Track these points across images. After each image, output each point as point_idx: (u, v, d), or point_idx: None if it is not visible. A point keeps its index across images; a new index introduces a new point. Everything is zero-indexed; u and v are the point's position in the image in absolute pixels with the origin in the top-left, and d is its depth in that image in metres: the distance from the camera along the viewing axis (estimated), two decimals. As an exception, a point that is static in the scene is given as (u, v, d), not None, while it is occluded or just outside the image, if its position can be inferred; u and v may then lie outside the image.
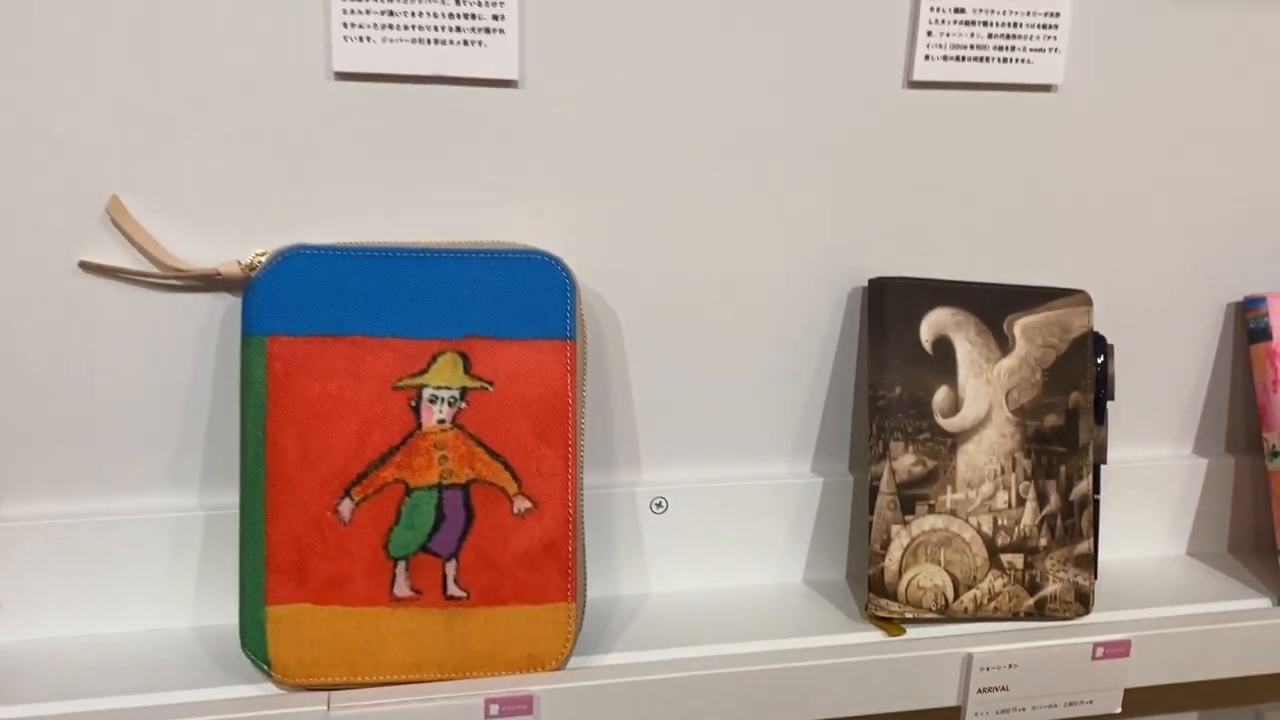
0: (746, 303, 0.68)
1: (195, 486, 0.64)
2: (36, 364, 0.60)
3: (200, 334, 0.62)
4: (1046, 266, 0.72)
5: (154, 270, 0.60)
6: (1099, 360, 0.71)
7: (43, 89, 0.56)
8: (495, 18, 0.60)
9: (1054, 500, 0.69)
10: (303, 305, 0.58)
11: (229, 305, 0.61)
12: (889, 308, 0.68)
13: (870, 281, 0.69)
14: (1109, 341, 0.72)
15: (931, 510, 0.67)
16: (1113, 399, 0.72)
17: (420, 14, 0.59)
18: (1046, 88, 0.69)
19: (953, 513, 0.68)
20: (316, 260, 0.59)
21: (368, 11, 0.58)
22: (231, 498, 0.64)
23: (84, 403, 0.61)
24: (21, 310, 0.59)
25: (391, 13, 0.59)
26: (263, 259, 0.59)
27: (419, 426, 0.59)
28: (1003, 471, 0.68)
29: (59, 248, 0.59)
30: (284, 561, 0.58)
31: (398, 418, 0.58)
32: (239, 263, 0.59)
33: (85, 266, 0.59)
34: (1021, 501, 0.69)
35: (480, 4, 0.60)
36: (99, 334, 0.60)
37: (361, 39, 0.59)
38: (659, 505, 0.69)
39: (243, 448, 0.58)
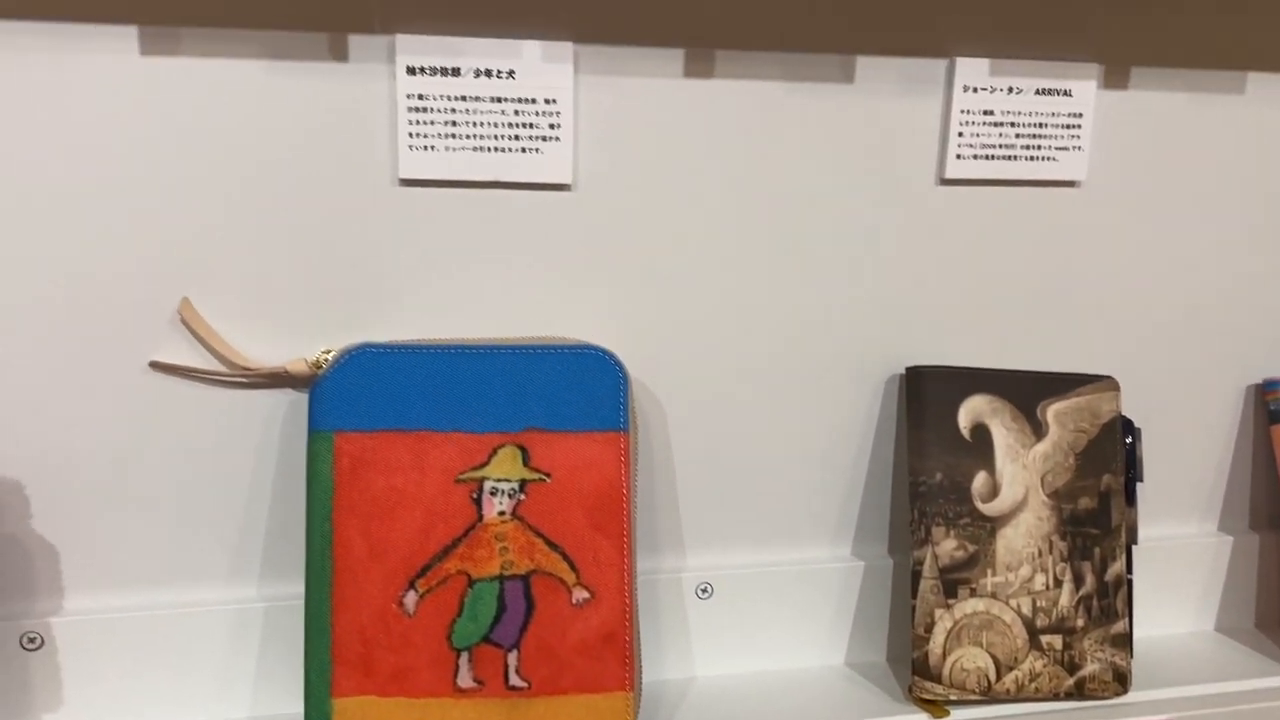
0: (787, 391, 0.71)
1: (255, 578, 0.65)
2: (103, 460, 0.62)
3: (264, 429, 0.63)
4: (1075, 353, 0.75)
5: (223, 369, 0.62)
6: (1127, 442, 0.73)
7: (118, 196, 0.59)
8: (551, 126, 0.63)
9: (1090, 581, 0.71)
10: (368, 402, 0.60)
11: (292, 400, 0.63)
12: (927, 395, 0.70)
13: (908, 370, 0.71)
14: (1136, 425, 0.74)
15: (973, 593, 0.69)
16: (1142, 481, 0.74)
17: (481, 124, 0.62)
18: (1071, 183, 0.72)
19: (993, 595, 0.69)
20: (381, 358, 0.61)
21: (432, 123, 0.61)
22: (289, 588, 0.65)
23: (148, 498, 0.63)
24: (92, 408, 0.61)
25: (454, 123, 0.62)
26: (329, 357, 0.61)
27: (480, 518, 0.60)
28: (1040, 554, 0.70)
29: (130, 348, 0.61)
30: (350, 654, 0.59)
31: (460, 510, 0.60)
32: (306, 361, 0.61)
33: (155, 366, 0.61)
34: (1059, 583, 0.70)
35: (538, 114, 0.63)
36: (165, 430, 0.62)
37: (426, 148, 0.62)
38: (704, 591, 0.71)
39: (309, 541, 0.60)
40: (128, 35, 0.58)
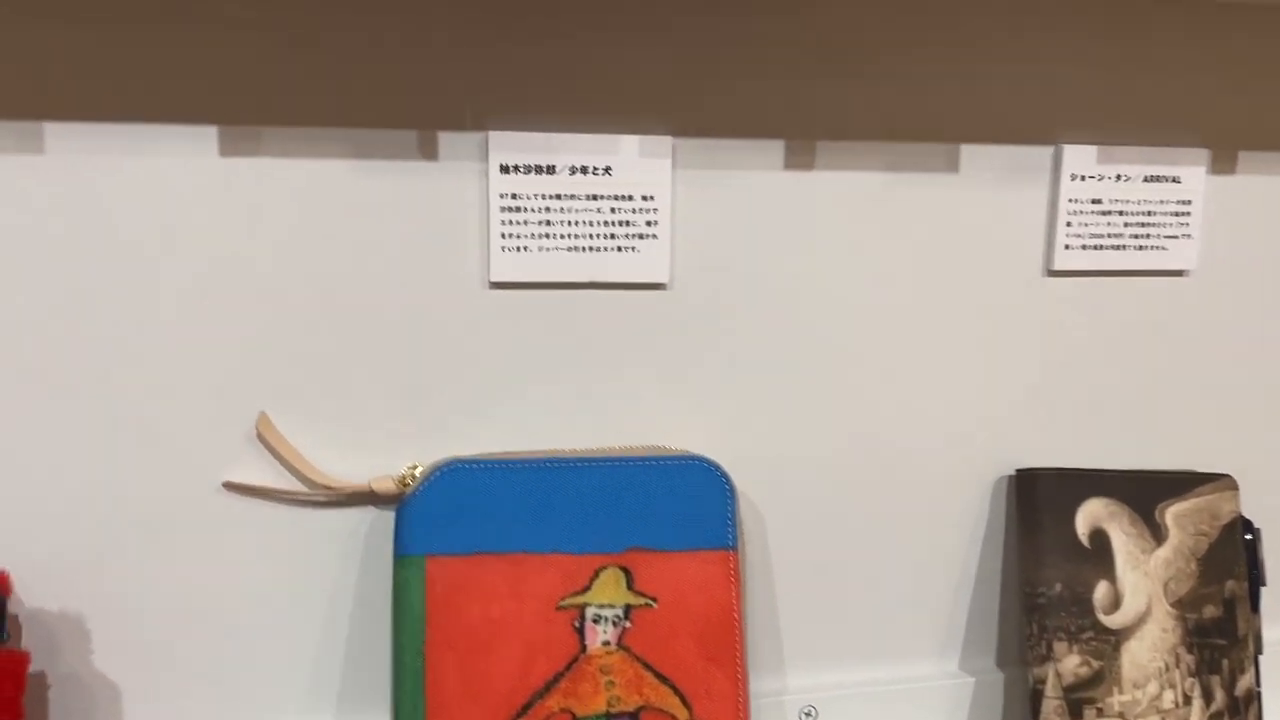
0: (888, 496, 0.66)
1: (333, 715, 0.60)
2: (170, 589, 0.57)
3: (343, 552, 0.59)
4: (1190, 450, 0.71)
5: (302, 489, 0.57)
6: (1246, 540, 0.69)
7: (190, 303, 0.55)
8: (649, 224, 0.60)
9: (1220, 697, 0.66)
10: (461, 522, 0.56)
11: (374, 519, 0.59)
12: (1041, 500, 0.66)
13: (1019, 472, 0.67)
14: (1255, 525, 0.70)
15: (1100, 714, 0.64)
16: (1265, 584, 0.70)
17: (576, 223, 0.59)
18: (1180, 273, 0.68)
19: (1121, 716, 0.64)
20: (474, 474, 0.56)
21: (525, 222, 0.58)
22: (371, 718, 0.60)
23: (218, 628, 0.58)
24: (158, 533, 0.56)
25: (548, 223, 0.58)
26: (416, 473, 0.57)
27: (583, 649, 0.56)
28: (1167, 669, 0.65)
29: (202, 468, 0.57)
30: (445, 804, 0.54)
31: (561, 640, 0.55)
32: (392, 478, 0.57)
33: (230, 487, 0.57)
34: (1188, 700, 0.65)
35: (634, 211, 0.59)
36: (238, 555, 0.58)
37: (519, 249, 0.58)
38: (809, 715, 0.66)
39: (398, 677, 0.55)
40: (206, 136, 0.54)
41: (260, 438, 0.57)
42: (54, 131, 0.52)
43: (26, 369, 0.54)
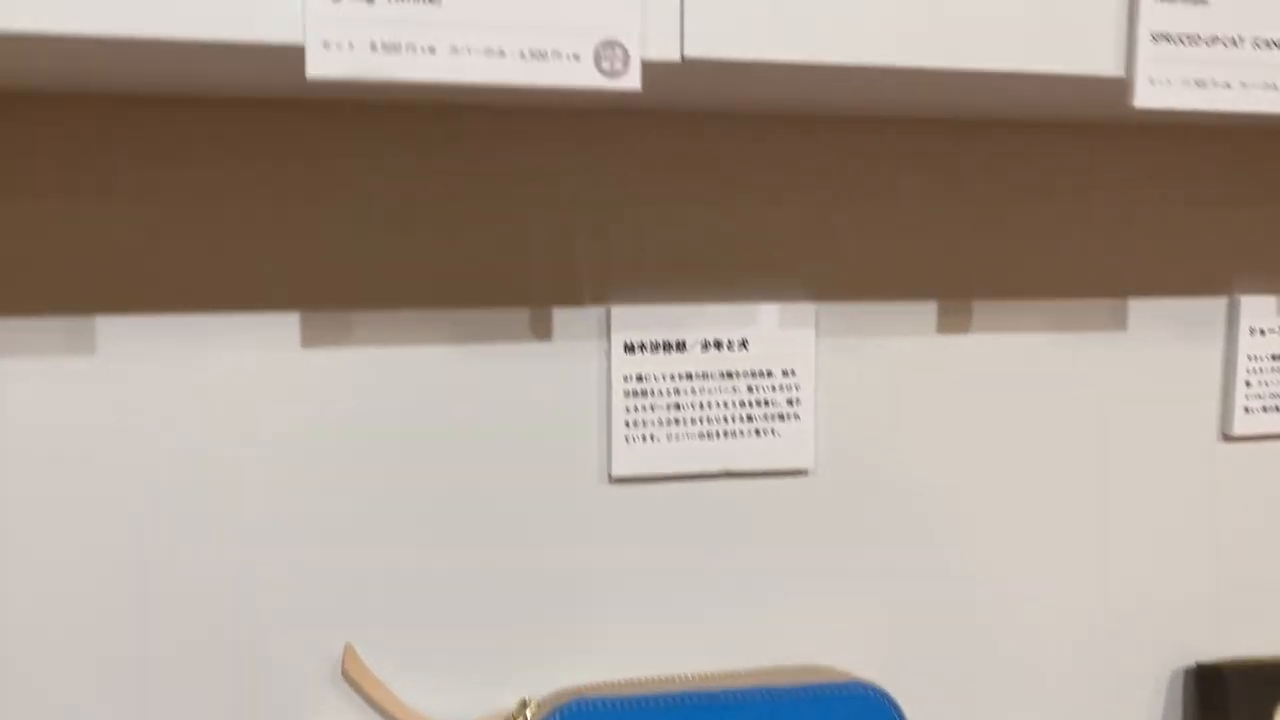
0: (1054, 698, 0.58)
1: None
2: None
3: (441, 802, 0.50)
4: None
5: (396, 734, 0.48)
6: None
7: (265, 523, 0.46)
8: (790, 402, 0.52)
9: None
10: (588, 775, 0.47)
11: (476, 762, 0.50)
12: (1231, 700, 0.57)
13: (1199, 666, 0.58)
14: None
15: None
16: None
17: (709, 405, 0.50)
18: (1365, 430, 0.61)
19: None
20: (601, 715, 0.47)
21: (652, 407, 0.50)
22: None
23: None
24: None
25: (678, 406, 0.50)
26: (529, 711, 0.48)
27: None
28: None
29: (279, 714, 0.47)
30: None
31: None
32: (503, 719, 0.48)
33: (310, 736, 0.48)
34: None
35: (774, 389, 0.51)
36: (319, 813, 0.48)
37: (645, 438, 0.50)
38: None
39: None
40: (286, 325, 0.46)
41: (346, 676, 0.47)
42: (107, 327, 0.44)
43: (76, 593, 0.45)
